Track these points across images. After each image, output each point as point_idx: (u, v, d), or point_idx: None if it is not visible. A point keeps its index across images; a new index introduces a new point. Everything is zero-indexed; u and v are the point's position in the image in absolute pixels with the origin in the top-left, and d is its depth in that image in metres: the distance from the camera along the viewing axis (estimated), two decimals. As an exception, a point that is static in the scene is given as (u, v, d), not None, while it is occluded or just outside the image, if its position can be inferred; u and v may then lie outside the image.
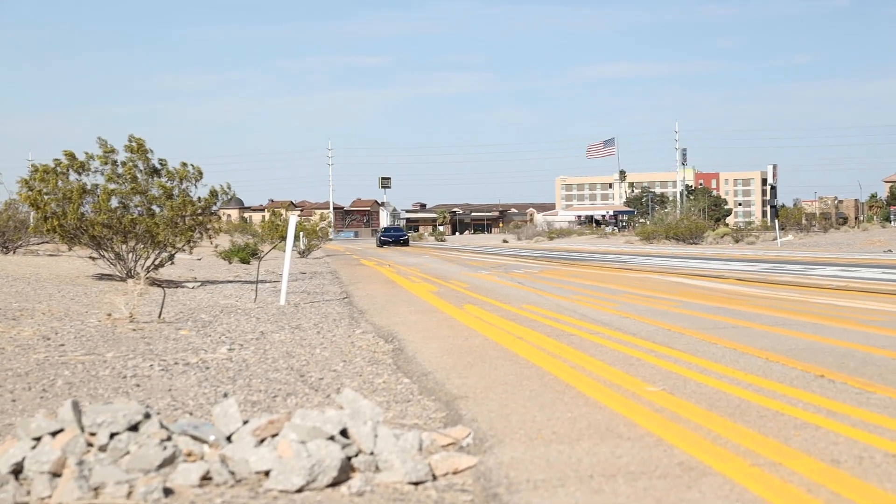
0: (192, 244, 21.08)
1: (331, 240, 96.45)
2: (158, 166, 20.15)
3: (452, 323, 11.78)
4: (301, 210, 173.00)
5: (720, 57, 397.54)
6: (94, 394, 7.23)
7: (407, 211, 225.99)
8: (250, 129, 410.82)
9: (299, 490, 4.50)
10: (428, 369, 8.03)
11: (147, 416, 4.83)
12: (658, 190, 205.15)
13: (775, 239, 56.97)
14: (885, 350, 8.44)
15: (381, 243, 78.28)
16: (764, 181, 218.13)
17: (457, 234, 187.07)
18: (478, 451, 5.09)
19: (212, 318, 12.93)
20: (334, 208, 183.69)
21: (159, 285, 18.55)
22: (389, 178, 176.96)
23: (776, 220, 60.92)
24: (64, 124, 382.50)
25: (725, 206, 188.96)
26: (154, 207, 20.00)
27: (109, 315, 12.44)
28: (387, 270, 27.96)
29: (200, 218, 20.73)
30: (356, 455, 4.79)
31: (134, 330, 11.32)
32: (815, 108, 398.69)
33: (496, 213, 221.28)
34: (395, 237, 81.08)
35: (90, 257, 20.95)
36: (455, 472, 4.78)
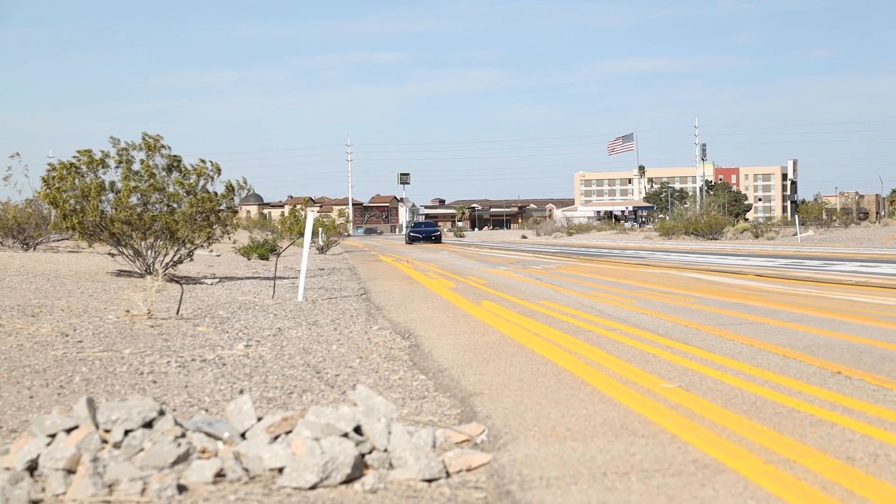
0: (210, 240, 21.14)
1: (349, 235, 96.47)
2: (175, 163, 20.21)
3: (469, 319, 11.78)
4: (320, 206, 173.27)
5: (740, 52, 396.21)
6: (111, 390, 7.26)
7: (426, 207, 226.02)
8: (268, 126, 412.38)
9: (313, 487, 4.51)
10: (444, 366, 8.03)
11: (161, 412, 4.85)
12: (677, 185, 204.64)
13: (795, 234, 56.75)
14: (904, 346, 8.39)
15: (411, 240, 70.26)
16: (784, 176, 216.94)
17: (475, 229, 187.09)
18: (492, 448, 5.09)
19: (229, 315, 12.97)
20: (353, 204, 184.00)
21: (177, 282, 18.61)
22: (408, 174, 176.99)
23: (796, 216, 60.66)
24: (83, 121, 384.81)
25: (745, 202, 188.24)
26: (173, 204, 20.07)
27: (128, 311, 12.49)
28: (405, 266, 27.98)
29: (219, 214, 20.80)
30: (370, 452, 4.79)
31: (152, 326, 11.36)
32: (835, 102, 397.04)
33: (515, 209, 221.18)
34: (426, 233, 71.51)
35: (109, 254, 21.05)
36: (469, 470, 4.78)
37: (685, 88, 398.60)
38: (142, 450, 4.66)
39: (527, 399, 6.38)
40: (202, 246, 21.51)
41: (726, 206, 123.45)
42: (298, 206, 45.85)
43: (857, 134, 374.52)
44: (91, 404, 4.79)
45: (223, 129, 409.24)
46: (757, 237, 60.71)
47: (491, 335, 10.06)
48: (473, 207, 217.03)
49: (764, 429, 5.33)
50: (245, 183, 21.36)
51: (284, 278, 21.86)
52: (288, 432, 4.83)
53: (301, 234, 19.70)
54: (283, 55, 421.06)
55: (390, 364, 8.40)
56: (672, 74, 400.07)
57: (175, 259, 20.61)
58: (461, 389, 6.88)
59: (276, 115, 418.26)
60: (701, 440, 5.10)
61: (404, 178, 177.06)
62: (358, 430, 4.88)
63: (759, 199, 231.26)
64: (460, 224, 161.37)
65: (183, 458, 4.62)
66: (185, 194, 20.07)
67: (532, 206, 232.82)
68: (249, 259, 33.27)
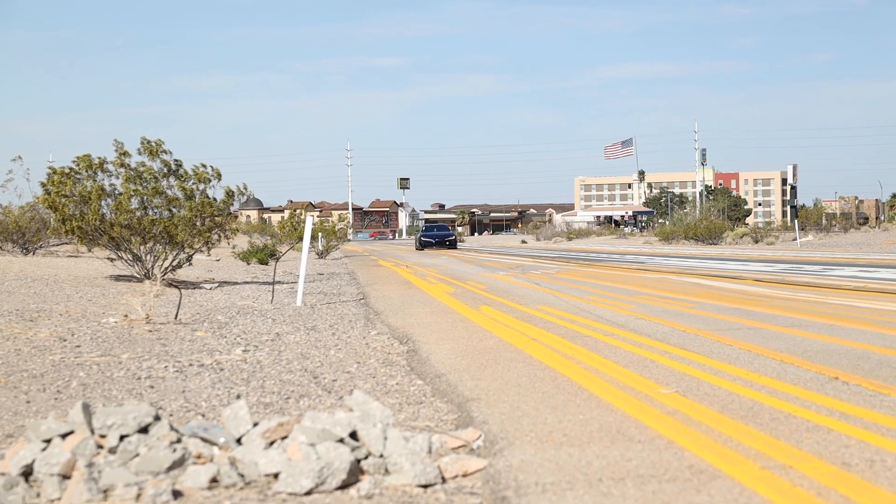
0: (210, 245, 21.14)
1: (349, 240, 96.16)
2: (175, 167, 20.22)
3: (467, 324, 11.78)
4: (320, 211, 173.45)
5: (739, 57, 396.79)
6: (108, 395, 7.26)
7: (426, 212, 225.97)
8: (268, 131, 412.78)
9: (308, 493, 4.50)
10: (441, 371, 8.03)
11: (157, 418, 4.85)
12: (677, 190, 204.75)
13: (795, 239, 56.73)
14: (901, 352, 8.38)
15: (422, 245, 61.48)
16: (784, 181, 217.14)
17: (475, 234, 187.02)
18: (488, 454, 5.09)
19: (228, 320, 12.97)
20: (353, 209, 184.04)
21: (176, 286, 18.61)
22: (408, 179, 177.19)
23: (796, 221, 60.58)
24: (83, 125, 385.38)
25: (745, 207, 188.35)
26: (173, 209, 20.07)
27: (126, 316, 12.49)
28: (404, 271, 27.98)
29: (219, 219, 20.80)
30: (365, 458, 4.79)
31: (150, 331, 11.36)
32: (834, 107, 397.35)
33: (515, 214, 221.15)
34: (439, 237, 62.42)
35: (108, 258, 21.04)
36: (464, 475, 4.77)
37: (685, 93, 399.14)
38: (137, 455, 4.66)
39: (524, 404, 6.38)
40: (201, 250, 21.51)
41: (726, 210, 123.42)
42: (298, 211, 45.85)
43: (857, 139, 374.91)
44: (87, 409, 4.79)
45: (223, 134, 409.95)
46: (756, 242, 60.69)
47: (489, 340, 10.06)
48: (473, 212, 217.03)
49: (760, 434, 5.33)
50: (245, 188, 21.35)
51: (283, 283, 21.86)
52: (284, 438, 4.83)
53: (300, 239, 19.70)
54: (284, 59, 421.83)
55: (388, 369, 8.39)
56: (672, 79, 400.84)
57: (174, 264, 20.60)
58: (458, 394, 6.87)
59: (277, 119, 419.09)
60: (697, 446, 5.10)
61: (404, 183, 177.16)
62: (354, 435, 4.88)
63: (759, 204, 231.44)
64: (460, 229, 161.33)
65: (178, 464, 4.62)
66: (184, 199, 20.08)
67: (532, 210, 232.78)
68: (249, 264, 33.26)
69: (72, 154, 20.78)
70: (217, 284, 21.18)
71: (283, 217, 48.36)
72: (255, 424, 4.99)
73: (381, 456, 4.79)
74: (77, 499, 4.30)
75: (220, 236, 21.21)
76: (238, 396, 7.04)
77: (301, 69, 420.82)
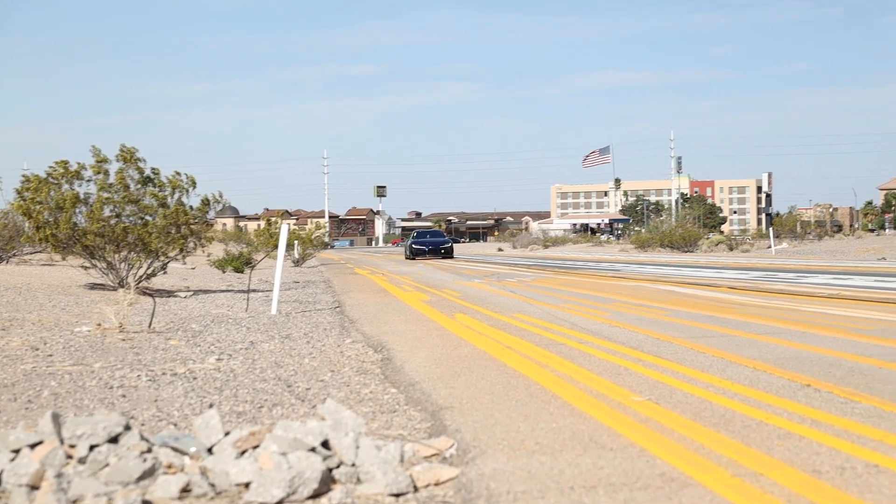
0: (184, 253, 21.06)
1: (332, 247, 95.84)
2: (151, 175, 20.13)
3: (442, 332, 11.77)
4: (297, 219, 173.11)
5: (715, 65, 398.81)
6: (79, 405, 7.21)
7: (402, 220, 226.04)
8: (245, 139, 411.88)
9: (279, 502, 4.48)
10: (415, 379, 8.02)
11: (128, 427, 4.82)
12: (653, 198, 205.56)
13: (770, 247, 57.01)
14: (873, 359, 8.43)
15: (414, 254, 53.06)
16: (759, 189, 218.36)
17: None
18: (460, 463, 5.08)
19: (202, 328, 12.92)
20: (330, 217, 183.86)
21: (150, 295, 18.53)
22: (385, 187, 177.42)
23: (771, 228, 60.90)
24: (58, 132, 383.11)
25: (720, 214, 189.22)
26: (147, 217, 19.98)
27: (99, 325, 12.42)
28: (380, 279, 27.95)
29: (194, 227, 20.73)
30: (337, 467, 4.78)
31: (123, 340, 11.30)
32: (809, 115, 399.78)
33: (491, 222, 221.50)
34: (432, 245, 53.32)
35: (82, 267, 20.93)
36: (437, 484, 4.76)
37: (660, 101, 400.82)
38: (107, 465, 4.63)
39: (497, 412, 6.38)
40: (176, 259, 21.41)
41: (702, 218, 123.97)
42: (275, 220, 45.73)
43: (832, 147, 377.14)
44: (56, 419, 4.75)
45: (200, 142, 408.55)
46: (732, 249, 60.96)
47: (463, 348, 10.06)
48: (450, 220, 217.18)
49: (732, 442, 5.35)
50: (221, 196, 21.30)
51: (259, 291, 21.80)
52: (255, 447, 4.81)
53: (276, 247, 19.66)
54: (260, 67, 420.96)
55: (362, 377, 8.38)
56: (647, 87, 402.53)
57: (148, 272, 20.51)
58: (432, 403, 6.87)
59: (253, 127, 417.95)
60: (669, 453, 5.11)
61: (381, 191, 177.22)
62: (326, 444, 4.86)
63: (735, 212, 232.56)
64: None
65: (149, 474, 4.59)
66: (159, 206, 19.99)
67: (509, 218, 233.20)
68: (224, 272, 33.16)
69: (46, 162, 20.66)
70: (192, 293, 21.10)
71: (259, 225, 48.20)
72: (227, 434, 4.97)
73: (353, 465, 4.78)
74: (46, 509, 4.27)
75: (195, 244, 21.13)
76: (211, 405, 7.01)
77: (277, 77, 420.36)
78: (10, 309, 15.13)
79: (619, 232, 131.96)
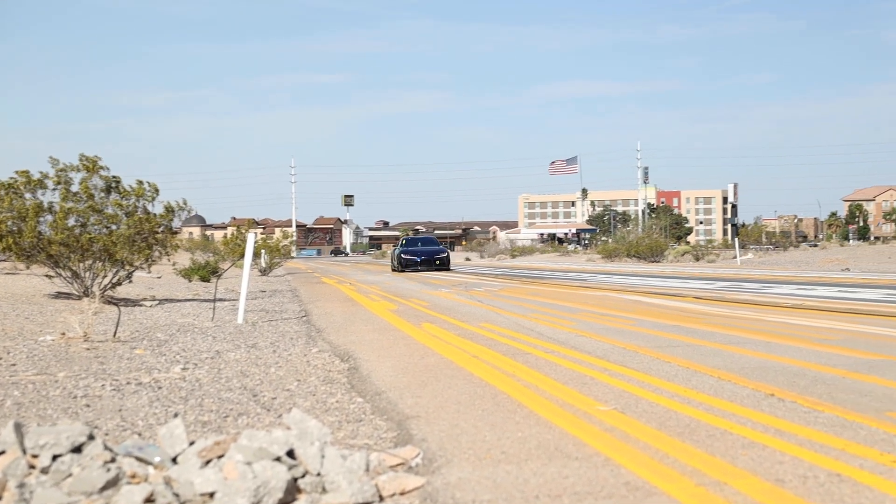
0: (150, 262, 20.95)
1: (293, 257, 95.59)
2: (114, 184, 20.02)
3: (409, 342, 11.77)
4: (264, 228, 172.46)
5: (681, 76, 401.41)
6: (43, 414, 7.16)
7: (370, 229, 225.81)
8: (211, 148, 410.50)
9: (244, 512, 4.46)
10: (382, 388, 8.01)
11: (91, 437, 4.79)
12: (620, 208, 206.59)
13: (735, 257, 57.37)
14: (836, 369, 8.51)
15: (403, 265, 44.35)
16: (725, 199, 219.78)
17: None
18: (426, 472, 5.08)
19: (168, 337, 12.84)
20: (297, 226, 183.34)
21: (115, 304, 18.41)
22: (352, 196, 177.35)
23: (736, 239, 61.32)
24: (20, 142, 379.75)
25: (686, 225, 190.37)
26: (111, 226, 19.86)
27: (63, 334, 12.32)
28: (347, 288, 27.90)
29: (159, 235, 20.63)
30: (303, 476, 4.76)
31: (88, 349, 11.22)
32: (775, 127, 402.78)
33: (459, 231, 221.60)
34: (425, 255, 44.72)
35: (47, 276, 20.78)
36: (402, 493, 4.76)
37: (627, 112, 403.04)
38: (70, 475, 4.59)
39: (463, 422, 6.38)
40: (141, 268, 21.31)
41: (668, 228, 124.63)
42: (243, 228, 45.58)
43: (797, 158, 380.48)
44: (18, 429, 4.72)
45: (166, 151, 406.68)
46: (698, 260, 61.31)
47: (430, 358, 10.06)
48: (417, 229, 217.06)
49: (696, 451, 5.38)
50: (185, 204, 21.22)
51: (225, 300, 21.70)
52: (220, 456, 4.79)
53: (242, 256, 19.60)
54: (226, 76, 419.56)
55: (328, 387, 8.36)
56: (614, 98, 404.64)
57: (114, 281, 20.39)
58: (398, 412, 6.86)
59: (220, 136, 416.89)
60: (634, 462, 5.14)
61: (348, 200, 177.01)
62: (291, 454, 4.85)
63: (701, 222, 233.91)
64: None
65: (112, 484, 4.56)
66: (123, 216, 19.88)
67: (476, 228, 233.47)
68: (190, 281, 33.00)
69: (9, 171, 20.58)
70: (157, 302, 20.98)
71: (226, 234, 48.01)
72: (192, 443, 4.95)
73: (319, 474, 4.77)
74: (7, 520, 4.24)
75: (160, 253, 21.03)
76: (176, 415, 6.98)
77: (244, 86, 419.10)
78: (-27, 318, 14.98)
79: (587, 242, 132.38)
